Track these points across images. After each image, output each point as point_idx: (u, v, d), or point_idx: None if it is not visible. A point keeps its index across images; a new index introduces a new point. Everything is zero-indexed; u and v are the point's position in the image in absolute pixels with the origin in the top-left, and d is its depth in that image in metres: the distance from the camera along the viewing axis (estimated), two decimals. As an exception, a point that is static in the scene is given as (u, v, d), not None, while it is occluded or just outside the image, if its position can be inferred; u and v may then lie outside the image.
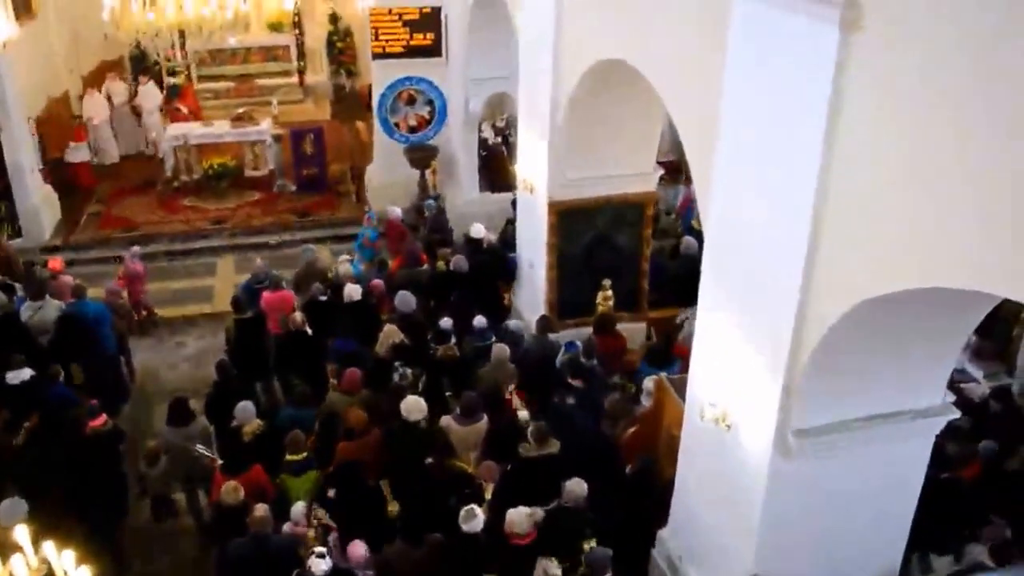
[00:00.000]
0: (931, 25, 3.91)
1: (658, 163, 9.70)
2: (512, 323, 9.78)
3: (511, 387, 8.46)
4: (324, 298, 9.75)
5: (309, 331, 9.24)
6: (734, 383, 5.84)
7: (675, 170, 12.62)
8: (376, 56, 13.82)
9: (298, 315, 9.29)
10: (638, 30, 7.08)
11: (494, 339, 8.97)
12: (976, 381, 8.72)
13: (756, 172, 5.35)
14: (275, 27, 19.00)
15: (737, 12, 5.30)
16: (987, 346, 9.10)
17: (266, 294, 9.96)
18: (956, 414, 5.74)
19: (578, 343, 8.76)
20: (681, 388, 6.89)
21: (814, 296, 4.97)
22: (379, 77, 14.02)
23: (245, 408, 7.83)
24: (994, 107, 3.61)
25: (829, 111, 4.53)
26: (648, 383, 7.85)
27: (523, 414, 8.16)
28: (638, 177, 9.45)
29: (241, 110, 16.42)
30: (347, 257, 11.22)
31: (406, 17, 13.44)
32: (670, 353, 8.56)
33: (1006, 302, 5.01)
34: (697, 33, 6.07)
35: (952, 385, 7.94)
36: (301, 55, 19.40)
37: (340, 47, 19.42)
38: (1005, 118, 3.56)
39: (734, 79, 5.46)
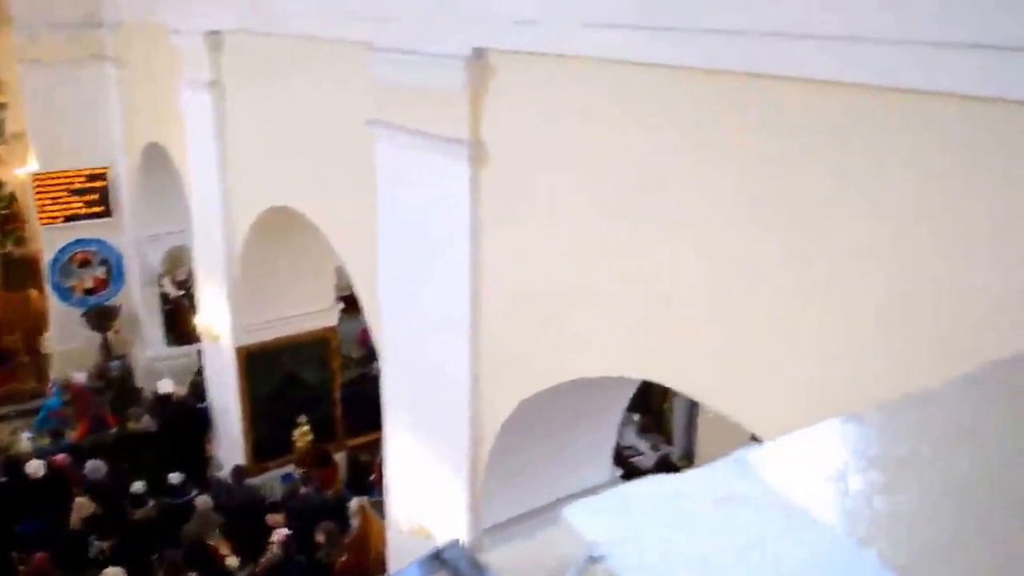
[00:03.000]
0: (551, 159, 4.66)
1: (339, 297, 10.21)
2: (216, 473, 9.72)
3: (217, 536, 8.38)
4: (3, 480, 9.13)
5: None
6: (427, 494, 6.27)
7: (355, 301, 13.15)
8: (44, 222, 13.34)
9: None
10: (300, 177, 7.64)
11: (195, 492, 8.87)
12: (643, 453, 9.91)
13: (417, 297, 5.96)
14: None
15: (379, 153, 6.00)
16: (648, 421, 10.38)
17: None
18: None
19: (295, 474, 8.97)
20: (383, 509, 7.24)
21: (484, 404, 5.52)
22: (49, 242, 13.51)
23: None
24: (605, 221, 4.37)
25: (471, 236, 5.23)
26: (353, 505, 8.15)
27: (231, 561, 8.10)
28: (319, 313, 9.91)
29: None
30: (27, 434, 10.59)
31: (72, 182, 13.16)
32: (370, 477, 8.96)
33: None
34: (350, 174, 6.69)
35: (624, 460, 8.98)
36: (-41, 226, 18.04)
37: (4, 214, 18.34)
38: (614, 227, 4.32)
39: (387, 216, 6.12)
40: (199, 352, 11.33)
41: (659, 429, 10.44)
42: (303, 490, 8.72)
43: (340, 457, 10.14)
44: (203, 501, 8.51)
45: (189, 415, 10.56)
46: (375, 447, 9.73)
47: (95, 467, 9.13)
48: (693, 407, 9.67)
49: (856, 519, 0.84)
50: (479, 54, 4.88)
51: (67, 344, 13.67)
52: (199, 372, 11.33)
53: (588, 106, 4.32)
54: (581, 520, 0.86)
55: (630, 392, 5.99)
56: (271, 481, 9.77)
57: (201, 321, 10.43)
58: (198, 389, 11.14)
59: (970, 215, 2.86)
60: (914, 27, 2.85)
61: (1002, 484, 0.91)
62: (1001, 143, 2.73)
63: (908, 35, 2.87)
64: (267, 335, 9.63)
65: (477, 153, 5.06)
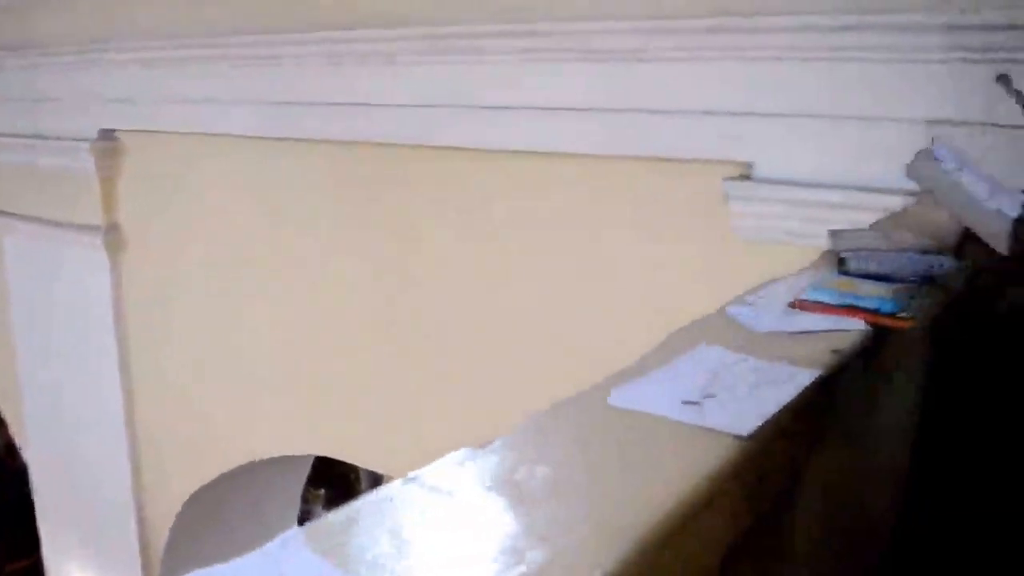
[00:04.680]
0: (189, 237, 4.57)
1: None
2: None
3: None
4: None
5: None
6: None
7: None
8: None
9: None
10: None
11: None
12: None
13: (67, 401, 5.50)
14: None
15: (7, 248, 5.54)
16: (336, 494, 10.20)
17: None
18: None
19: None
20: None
21: (150, 504, 5.20)
22: None
23: None
24: (249, 296, 4.34)
25: (116, 326, 4.95)
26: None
27: None
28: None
29: None
30: None
31: None
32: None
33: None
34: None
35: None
36: None
37: None
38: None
39: (23, 317, 5.62)
40: None
41: (348, 500, 10.19)
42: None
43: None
44: None
45: None
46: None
47: None
48: (379, 476, 9.56)
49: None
50: (106, 135, 4.72)
51: None
52: None
53: (221, 181, 4.31)
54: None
55: (305, 469, 5.89)
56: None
57: None
58: None
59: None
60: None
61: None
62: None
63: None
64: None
65: (114, 239, 4.87)
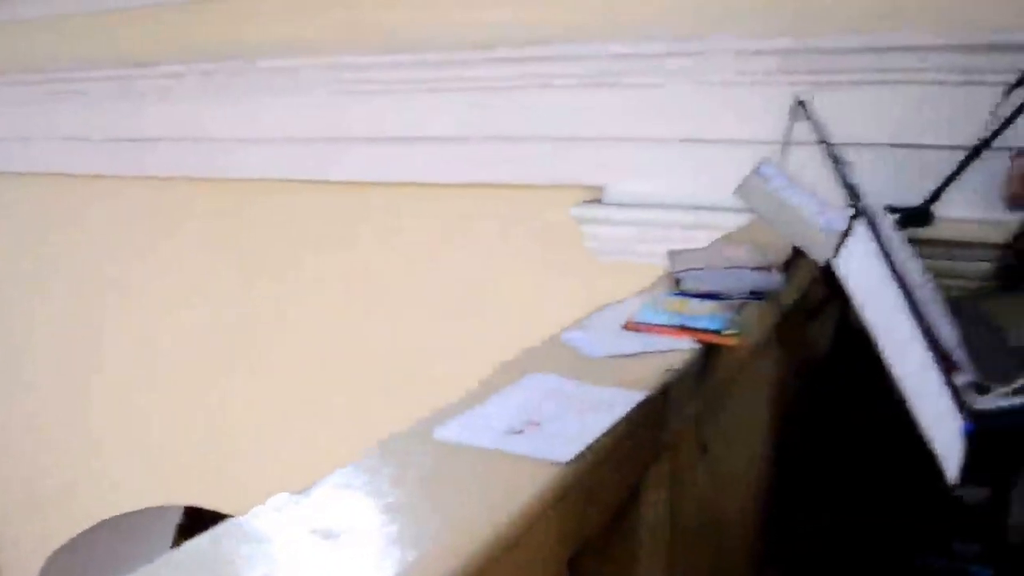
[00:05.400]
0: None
1: None
2: None
3: None
4: None
5: None
6: None
7: None
8: None
9: None
10: None
11: None
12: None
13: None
14: None
15: None
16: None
17: None
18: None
19: None
20: None
21: (5, 563, 4.90)
22: None
23: None
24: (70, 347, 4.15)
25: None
26: None
27: None
28: None
29: None
30: None
31: None
32: None
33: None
34: None
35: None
36: None
37: None
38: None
39: None
40: None
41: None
42: None
43: None
44: None
45: None
46: None
47: None
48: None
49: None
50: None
51: None
52: None
53: (70, 222, 4.15)
54: None
55: (174, 518, 5.67)
56: None
57: None
58: None
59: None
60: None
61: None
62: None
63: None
64: None
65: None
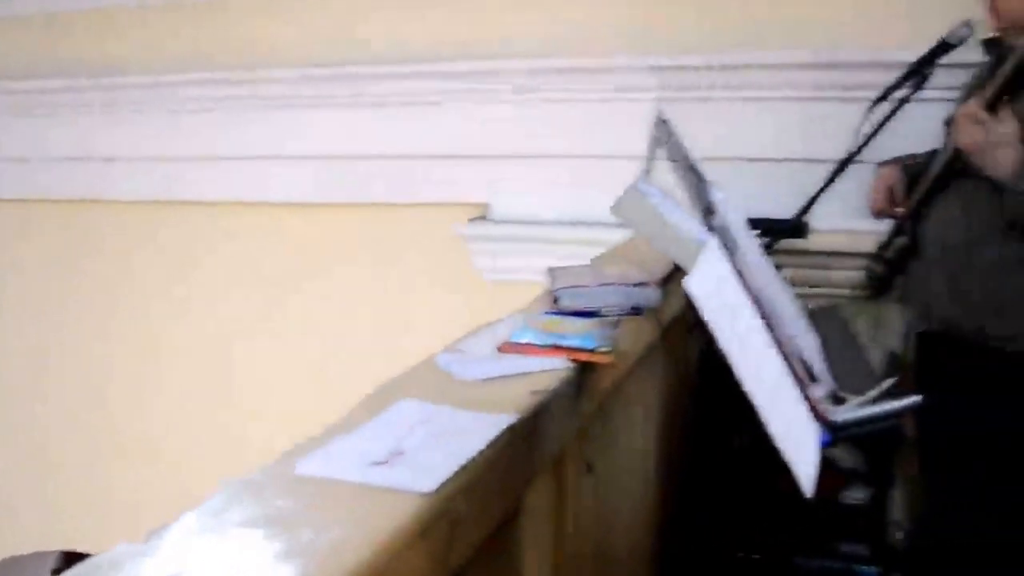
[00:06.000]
0: None
1: None
2: None
3: None
4: None
5: None
6: None
7: None
8: None
9: None
10: None
11: None
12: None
13: None
14: None
15: None
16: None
17: None
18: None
19: None
20: None
21: None
22: None
23: None
24: None
25: None
26: None
27: None
28: None
29: None
30: None
31: None
32: None
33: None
34: None
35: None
36: None
37: None
38: None
39: None
40: None
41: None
42: None
43: None
44: None
45: None
46: None
47: None
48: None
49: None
50: None
51: None
52: None
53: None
54: None
55: (49, 567, 5.41)
56: None
57: None
58: None
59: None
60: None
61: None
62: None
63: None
64: None
65: None
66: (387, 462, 1.02)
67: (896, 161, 2.35)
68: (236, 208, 3.18)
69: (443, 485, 0.98)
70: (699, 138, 2.65)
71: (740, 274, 1.15)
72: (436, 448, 1.05)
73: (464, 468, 1.02)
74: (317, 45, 2.99)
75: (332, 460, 1.04)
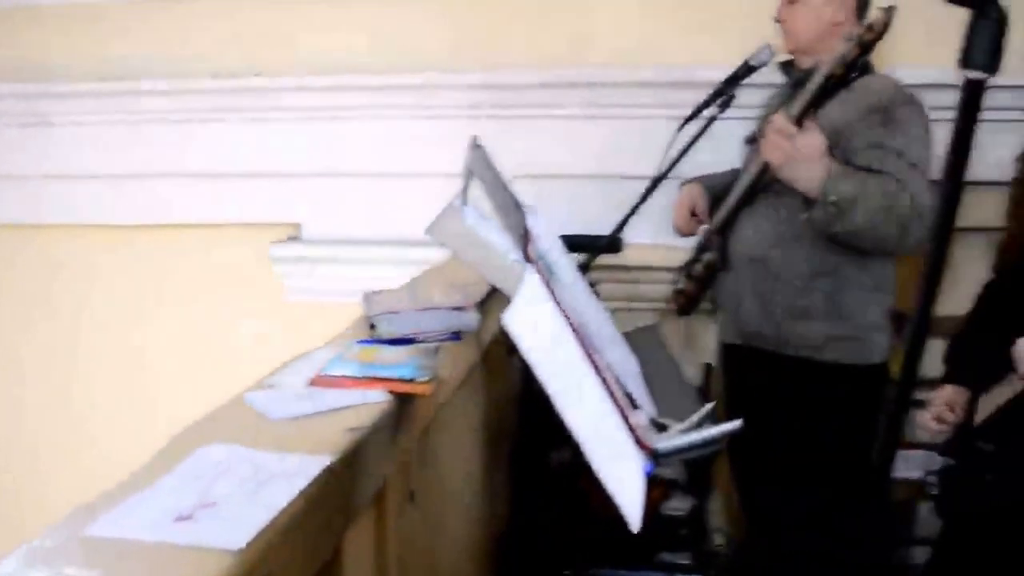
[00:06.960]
0: None
1: None
2: None
3: None
4: None
5: None
6: None
7: None
8: None
9: None
10: None
11: None
12: None
13: None
14: None
15: None
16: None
17: None
18: None
19: None
20: None
21: None
22: None
23: None
24: None
25: None
26: None
27: None
28: None
29: None
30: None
31: None
32: None
33: None
34: None
35: None
36: None
37: None
38: None
39: None
40: None
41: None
42: None
43: None
44: None
45: None
46: None
47: None
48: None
49: None
50: None
51: None
52: None
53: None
54: None
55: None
56: None
57: None
58: None
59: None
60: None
61: None
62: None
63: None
64: None
65: None
66: (191, 516, 0.94)
67: (697, 180, 2.44)
68: (24, 231, 2.93)
69: (254, 540, 0.91)
70: (515, 156, 2.68)
71: (558, 304, 1.14)
72: (245, 498, 0.98)
73: (277, 518, 0.96)
74: (113, 61, 2.79)
75: (129, 518, 0.95)
